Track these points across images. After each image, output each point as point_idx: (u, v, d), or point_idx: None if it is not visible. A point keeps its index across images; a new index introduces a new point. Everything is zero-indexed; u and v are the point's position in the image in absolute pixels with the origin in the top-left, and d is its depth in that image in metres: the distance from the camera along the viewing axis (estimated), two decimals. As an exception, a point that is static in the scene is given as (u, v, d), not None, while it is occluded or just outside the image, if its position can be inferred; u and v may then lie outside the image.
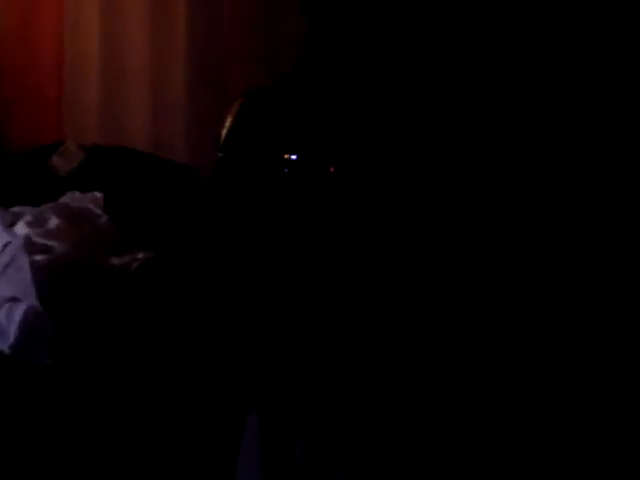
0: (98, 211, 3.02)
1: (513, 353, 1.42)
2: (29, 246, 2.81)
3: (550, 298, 1.52)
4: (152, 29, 3.67)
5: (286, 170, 1.51)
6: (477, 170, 1.39)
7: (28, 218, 2.95)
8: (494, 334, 1.40)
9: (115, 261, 2.89)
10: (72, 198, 3.06)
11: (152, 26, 3.67)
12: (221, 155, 1.59)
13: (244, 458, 1.85)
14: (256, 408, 1.82)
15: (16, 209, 3.06)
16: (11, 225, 2.96)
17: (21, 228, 2.92)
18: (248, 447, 1.84)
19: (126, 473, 2.69)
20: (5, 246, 2.85)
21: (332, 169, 1.48)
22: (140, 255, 2.91)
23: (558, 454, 1.36)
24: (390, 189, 1.41)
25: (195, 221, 3.16)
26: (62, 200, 3.06)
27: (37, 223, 2.93)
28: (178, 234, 3.08)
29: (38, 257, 2.79)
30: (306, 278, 1.67)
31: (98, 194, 3.07)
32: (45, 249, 2.85)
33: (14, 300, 2.77)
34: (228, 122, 1.59)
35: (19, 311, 2.75)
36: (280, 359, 1.82)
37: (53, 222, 2.93)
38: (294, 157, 1.48)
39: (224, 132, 1.59)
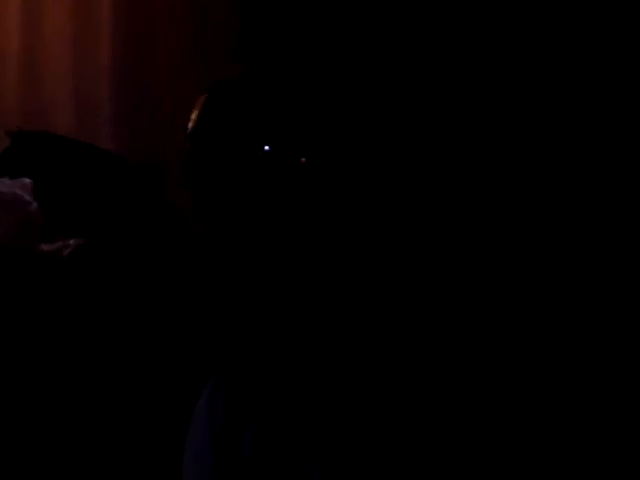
0: (27, 197, 3.01)
1: (513, 352, 1.50)
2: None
3: (550, 298, 1.54)
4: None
5: (257, 161, 1.53)
6: (472, 167, 1.47)
7: (-43, 203, 2.92)
8: (494, 333, 1.49)
9: (46, 247, 2.90)
10: (1, 184, 3.05)
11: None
12: (188, 146, 1.61)
13: (192, 445, 1.83)
14: (205, 393, 1.83)
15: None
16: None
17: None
18: (197, 433, 1.82)
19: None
20: None
21: (303, 160, 1.49)
22: (71, 242, 2.91)
23: (558, 454, 1.45)
24: (362, 179, 1.44)
25: (124, 208, 3.18)
26: (-10, 186, 3.04)
27: (-34, 208, 2.91)
28: (108, 221, 3.09)
29: (-31, 242, 2.77)
30: (268, 266, 1.70)
31: (27, 180, 3.06)
32: (-25, 235, 2.84)
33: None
34: (195, 114, 1.61)
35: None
36: (236, 345, 1.85)
37: (-17, 208, 2.91)
38: (267, 148, 1.51)
39: (191, 124, 1.61)
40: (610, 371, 1.50)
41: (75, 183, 3.22)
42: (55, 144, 3.36)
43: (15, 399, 2.72)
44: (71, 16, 3.75)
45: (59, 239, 2.95)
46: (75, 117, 3.73)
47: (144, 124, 3.57)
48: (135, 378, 2.79)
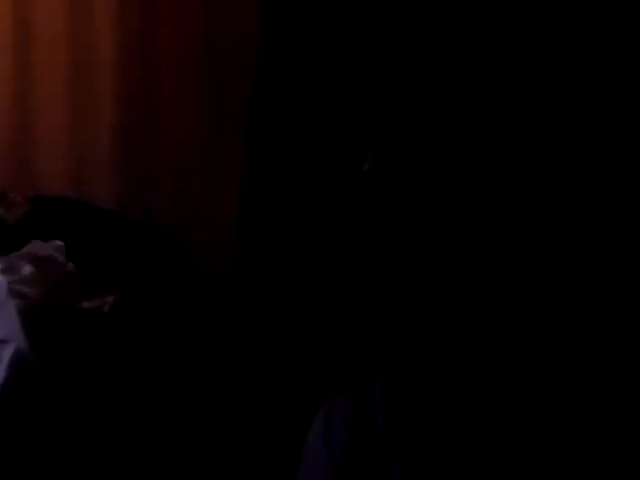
0: (62, 258, 3.23)
1: (513, 352, 1.46)
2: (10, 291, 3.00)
3: (550, 298, 1.54)
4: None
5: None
6: (476, 170, 1.44)
7: (0, 266, 3.13)
8: (494, 333, 1.45)
9: (86, 304, 3.11)
10: (36, 247, 3.26)
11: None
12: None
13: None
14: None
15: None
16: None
17: (-3, 275, 3.08)
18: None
19: None
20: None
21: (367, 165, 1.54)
22: (110, 298, 3.14)
23: (558, 454, 1.39)
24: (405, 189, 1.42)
25: (144, 267, 3.42)
26: (27, 249, 3.25)
27: (10, 271, 3.12)
28: (133, 279, 3.32)
29: (20, 301, 2.98)
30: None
31: (59, 242, 3.28)
32: (22, 294, 3.04)
33: (1, 342, 2.95)
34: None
35: (7, 352, 2.92)
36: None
37: (25, 269, 3.12)
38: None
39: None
40: (610, 371, 1.51)
41: (96, 245, 3.45)
42: (73, 208, 3.59)
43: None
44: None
45: (96, 297, 3.17)
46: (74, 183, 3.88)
47: (149, 187, 3.74)
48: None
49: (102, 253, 3.43)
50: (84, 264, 3.33)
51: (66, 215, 3.55)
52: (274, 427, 2.92)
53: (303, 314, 3.05)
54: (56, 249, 3.27)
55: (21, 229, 3.49)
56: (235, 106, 3.39)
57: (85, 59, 3.65)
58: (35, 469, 2.86)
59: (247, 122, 3.36)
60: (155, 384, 3.02)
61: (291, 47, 3.08)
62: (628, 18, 1.80)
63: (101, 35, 3.60)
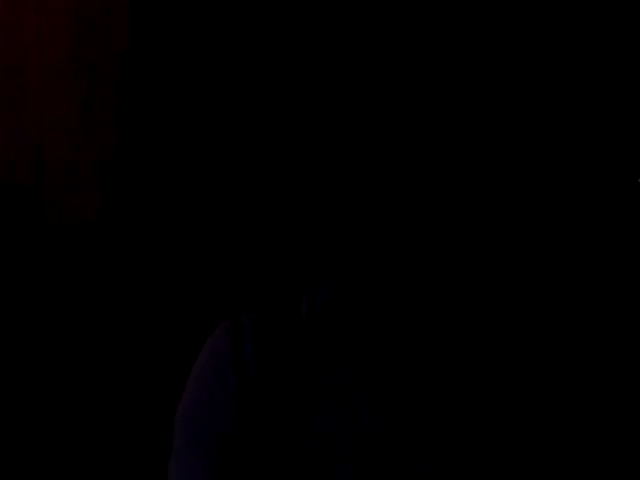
0: None
1: (513, 353, 1.42)
2: None
3: (550, 298, 1.58)
4: None
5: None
6: (474, 169, 1.41)
7: None
8: (494, 334, 1.41)
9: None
10: None
11: None
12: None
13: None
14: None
15: None
16: None
17: None
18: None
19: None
20: None
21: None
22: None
23: (558, 454, 1.36)
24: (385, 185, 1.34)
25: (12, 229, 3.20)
26: None
27: None
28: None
29: None
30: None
31: None
32: None
33: None
34: None
35: None
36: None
37: None
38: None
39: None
40: (610, 371, 1.49)
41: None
42: None
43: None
44: None
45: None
46: None
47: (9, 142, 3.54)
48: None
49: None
50: None
51: None
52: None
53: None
54: None
55: None
56: (106, 60, 3.22)
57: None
58: None
59: (119, 74, 3.18)
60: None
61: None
62: (628, 18, 1.79)
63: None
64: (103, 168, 3.27)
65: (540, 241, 1.58)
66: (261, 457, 1.35)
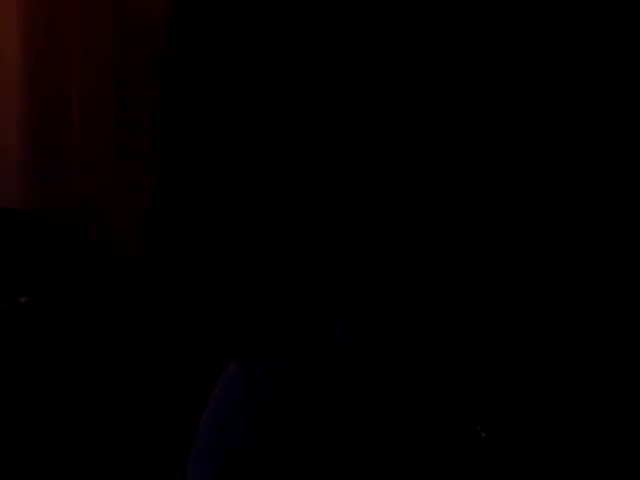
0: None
1: (513, 353, 1.42)
2: None
3: (550, 298, 1.56)
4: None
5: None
6: (473, 168, 1.39)
7: None
8: (494, 334, 1.40)
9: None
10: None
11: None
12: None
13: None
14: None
15: None
16: None
17: None
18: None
19: None
20: None
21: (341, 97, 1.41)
22: (22, 299, 3.08)
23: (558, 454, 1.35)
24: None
25: (60, 265, 3.36)
26: None
27: None
28: (47, 278, 3.27)
29: None
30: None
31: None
32: None
33: None
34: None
35: None
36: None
37: None
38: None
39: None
40: (610, 371, 1.48)
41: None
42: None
43: None
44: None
45: (4, 298, 3.12)
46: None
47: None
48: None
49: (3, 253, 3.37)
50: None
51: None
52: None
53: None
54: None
55: None
56: (144, 103, 3.36)
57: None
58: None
59: (157, 114, 3.32)
60: (77, 385, 2.98)
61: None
62: (628, 18, 1.78)
63: (8, 55, 3.55)
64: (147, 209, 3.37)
65: (541, 244, 1.57)
66: None
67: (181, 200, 3.18)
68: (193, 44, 3.18)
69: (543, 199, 1.61)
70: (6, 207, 3.56)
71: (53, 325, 3.08)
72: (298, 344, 1.43)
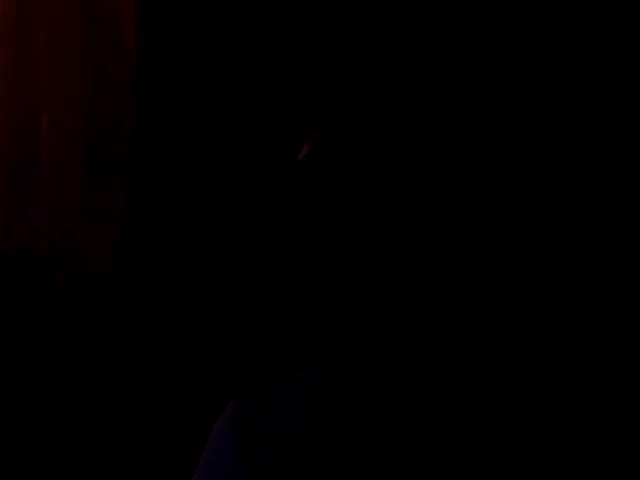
0: None
1: (513, 353, 1.40)
2: None
3: (550, 298, 1.57)
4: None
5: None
6: (474, 169, 1.37)
7: None
8: (494, 334, 1.39)
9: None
10: None
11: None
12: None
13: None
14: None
15: None
16: None
17: None
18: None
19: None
20: None
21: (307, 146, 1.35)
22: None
23: (558, 454, 1.34)
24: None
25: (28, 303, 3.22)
26: None
27: None
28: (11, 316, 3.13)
29: None
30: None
31: None
32: None
33: None
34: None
35: None
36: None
37: None
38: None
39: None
40: (610, 371, 1.49)
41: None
42: None
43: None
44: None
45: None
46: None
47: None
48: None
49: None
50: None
51: None
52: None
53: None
54: None
55: None
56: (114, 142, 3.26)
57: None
58: None
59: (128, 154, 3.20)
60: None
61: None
62: (628, 18, 1.77)
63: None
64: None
65: (541, 244, 1.58)
66: None
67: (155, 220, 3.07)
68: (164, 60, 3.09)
69: (542, 200, 1.62)
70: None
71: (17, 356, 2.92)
72: (276, 402, 1.42)
